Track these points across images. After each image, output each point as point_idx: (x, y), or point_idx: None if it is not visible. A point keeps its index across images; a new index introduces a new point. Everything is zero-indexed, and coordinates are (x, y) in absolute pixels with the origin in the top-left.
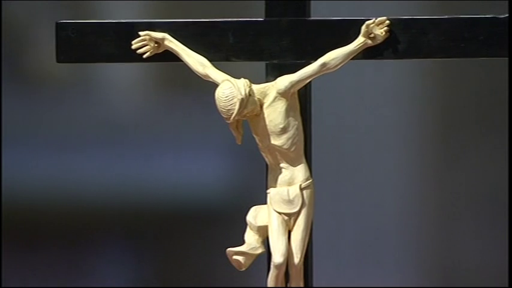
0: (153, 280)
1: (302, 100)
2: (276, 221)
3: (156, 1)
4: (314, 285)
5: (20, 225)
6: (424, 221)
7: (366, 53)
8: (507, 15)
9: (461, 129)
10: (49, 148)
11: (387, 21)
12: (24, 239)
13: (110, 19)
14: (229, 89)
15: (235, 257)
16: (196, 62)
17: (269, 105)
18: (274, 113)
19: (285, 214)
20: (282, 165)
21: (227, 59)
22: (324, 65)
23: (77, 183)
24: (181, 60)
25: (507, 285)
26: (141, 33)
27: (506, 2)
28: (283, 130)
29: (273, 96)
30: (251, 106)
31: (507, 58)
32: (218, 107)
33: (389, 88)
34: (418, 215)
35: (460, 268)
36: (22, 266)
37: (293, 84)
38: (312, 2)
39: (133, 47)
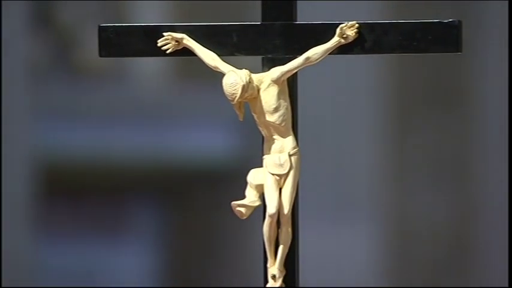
0: (174, 224)
1: (290, 86)
2: (270, 180)
3: (177, 6)
4: (299, 230)
5: (68, 182)
6: (387, 181)
7: (340, 50)
8: (451, 19)
9: (415, 109)
10: (92, 122)
11: (357, 25)
12: (71, 193)
13: (141, 22)
14: (234, 78)
15: (238, 208)
16: (208, 56)
17: (264, 90)
18: (269, 96)
19: (277, 175)
20: (274, 137)
21: (232, 54)
22: (307, 58)
23: (113, 150)
24: (196, 55)
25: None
26: (164, 33)
27: (455, 7)
28: (276, 109)
29: (268, 83)
30: (250, 91)
31: (453, 53)
32: (225, 91)
33: (359, 75)
34: (383, 175)
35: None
36: (68, 215)
37: (283, 74)
38: (298, 8)
39: (158, 44)
